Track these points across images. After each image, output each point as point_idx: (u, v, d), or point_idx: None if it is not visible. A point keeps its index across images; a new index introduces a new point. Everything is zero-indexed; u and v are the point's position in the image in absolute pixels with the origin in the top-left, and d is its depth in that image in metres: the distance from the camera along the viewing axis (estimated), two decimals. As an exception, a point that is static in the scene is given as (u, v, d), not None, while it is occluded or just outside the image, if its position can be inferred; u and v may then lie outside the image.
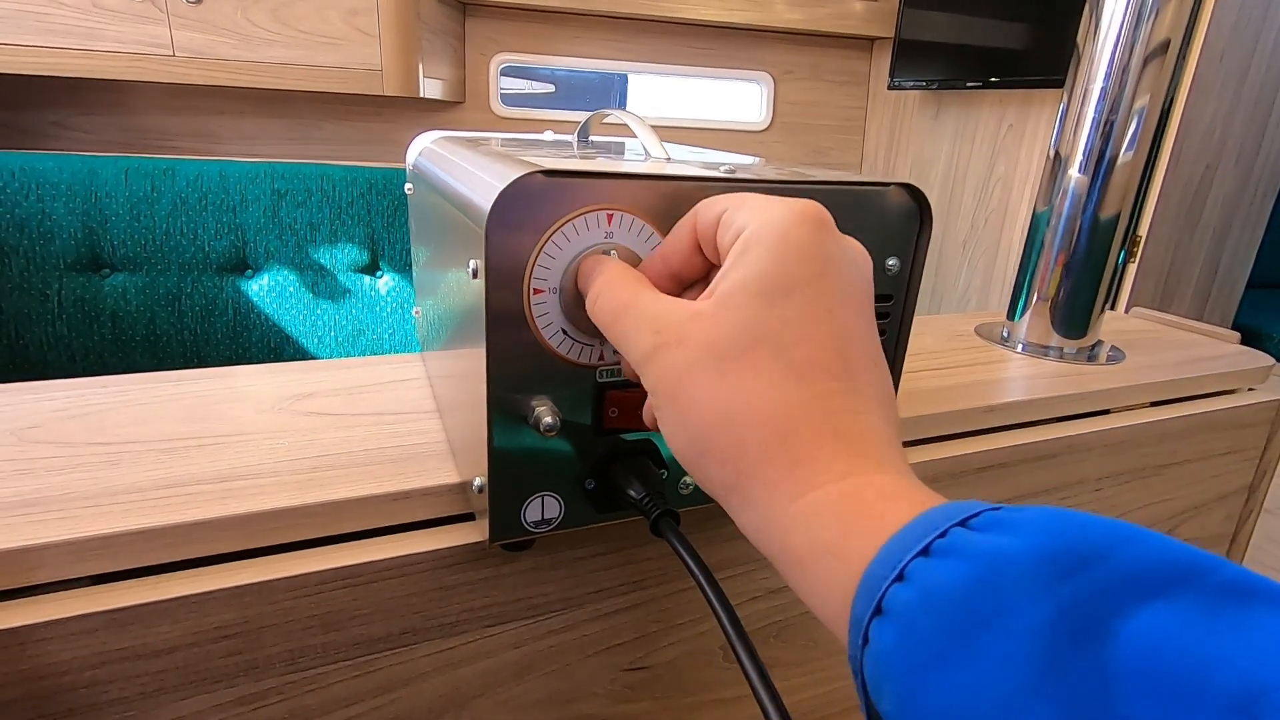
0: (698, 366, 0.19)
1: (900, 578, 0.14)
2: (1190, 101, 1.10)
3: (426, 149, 0.40)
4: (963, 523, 0.15)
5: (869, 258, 0.22)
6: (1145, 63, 0.49)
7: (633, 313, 0.21)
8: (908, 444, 0.41)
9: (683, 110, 1.84)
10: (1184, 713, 0.11)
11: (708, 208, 0.22)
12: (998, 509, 0.15)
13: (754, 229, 0.20)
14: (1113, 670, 0.12)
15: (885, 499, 0.17)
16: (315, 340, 1.16)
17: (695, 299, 0.21)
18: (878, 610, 0.15)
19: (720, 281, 0.20)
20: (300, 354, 1.16)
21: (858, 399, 0.19)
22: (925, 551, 0.14)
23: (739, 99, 1.83)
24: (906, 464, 0.19)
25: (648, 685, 0.37)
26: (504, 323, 0.24)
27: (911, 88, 1.60)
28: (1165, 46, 0.49)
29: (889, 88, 1.64)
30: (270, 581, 0.28)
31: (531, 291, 0.24)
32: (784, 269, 0.19)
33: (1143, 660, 0.12)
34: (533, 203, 0.23)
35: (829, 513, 0.17)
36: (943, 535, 0.14)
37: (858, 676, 0.15)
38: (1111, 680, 0.12)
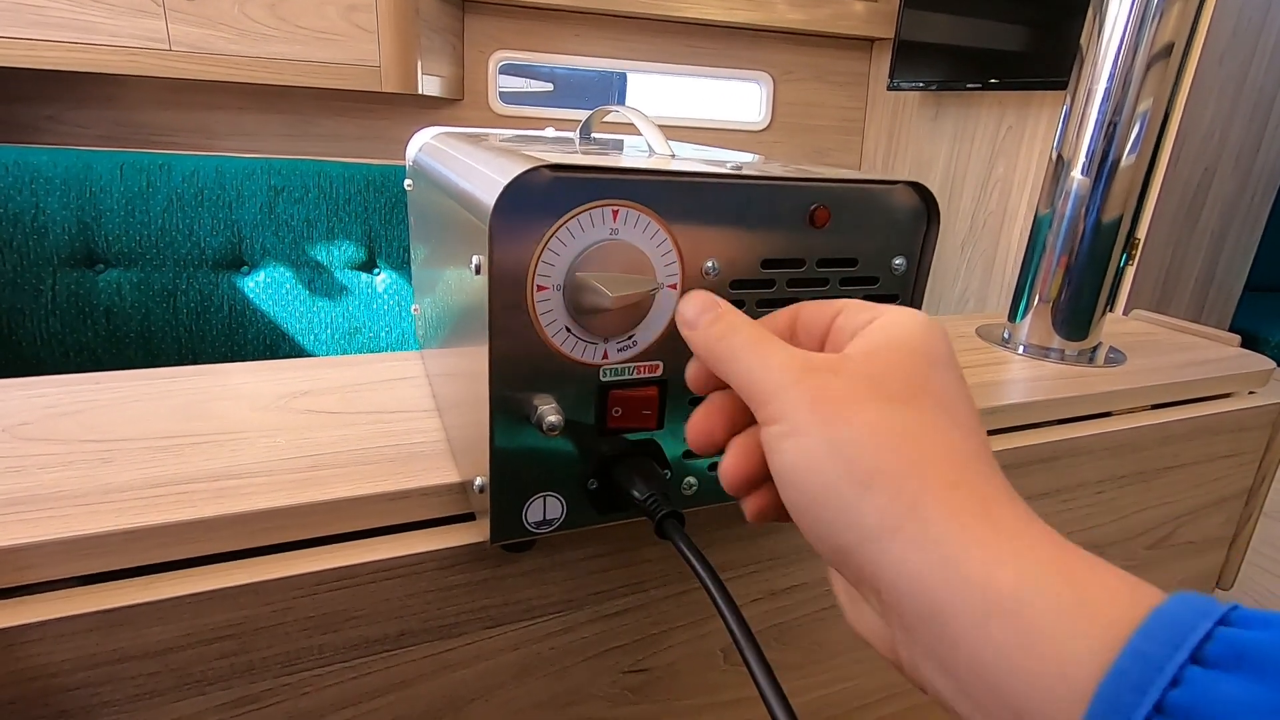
0: (863, 393, 0.18)
1: (1175, 683, 0.12)
2: (1190, 104, 1.10)
3: (427, 145, 0.39)
4: (1194, 657, 0.13)
5: None
6: (1149, 66, 0.49)
7: (772, 343, 0.21)
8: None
9: (682, 110, 1.84)
10: None
11: (815, 308, 0.23)
12: (1224, 619, 0.13)
13: (895, 315, 0.21)
14: None
15: (1096, 572, 0.15)
16: (312, 338, 1.15)
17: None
18: (1158, 710, 0.12)
19: (860, 340, 0.20)
20: (296, 351, 1.15)
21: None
22: (1160, 709, 0.12)
23: (738, 99, 1.83)
24: None
25: (648, 688, 0.37)
26: (507, 320, 0.24)
27: (911, 89, 1.60)
28: (1169, 49, 0.49)
29: (888, 88, 1.64)
30: (266, 582, 0.27)
31: (535, 288, 0.23)
32: (936, 345, 0.20)
33: None
34: (537, 198, 0.22)
35: (1052, 566, 0.15)
36: (1175, 684, 0.12)
37: None
38: None
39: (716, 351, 0.22)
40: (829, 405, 0.18)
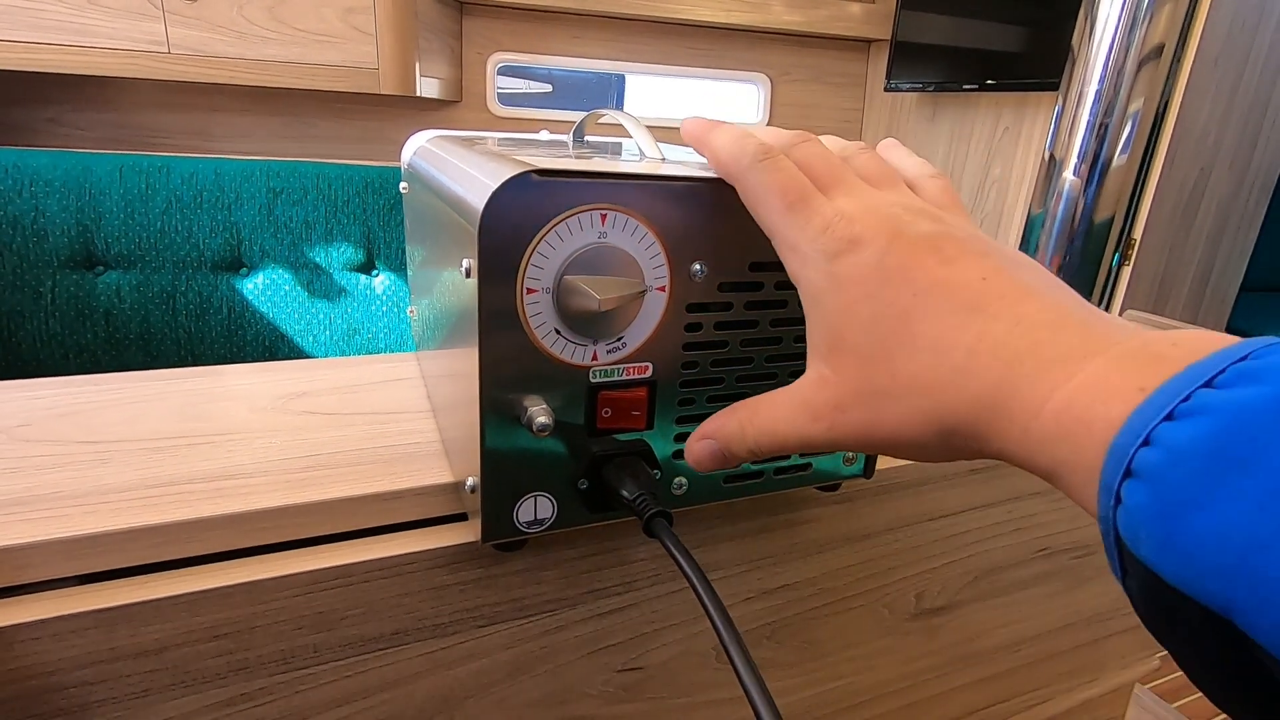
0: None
1: (1147, 443, 0.15)
2: (1185, 105, 1.10)
3: (421, 148, 0.40)
4: (1208, 383, 0.15)
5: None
6: (1140, 66, 0.49)
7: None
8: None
9: (680, 111, 1.84)
10: None
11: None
12: (1245, 357, 0.15)
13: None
14: None
15: (1141, 365, 0.17)
16: (310, 339, 1.16)
17: None
18: (1127, 473, 0.16)
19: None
20: (295, 353, 1.15)
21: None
22: (1170, 417, 0.15)
23: (736, 100, 1.84)
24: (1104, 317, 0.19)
25: (641, 686, 0.37)
26: (497, 322, 0.24)
27: (908, 90, 1.61)
28: (1160, 50, 0.49)
29: (885, 90, 1.65)
30: (261, 581, 0.28)
31: (525, 291, 0.24)
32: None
33: None
34: (526, 202, 0.23)
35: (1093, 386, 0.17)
36: (1186, 399, 0.15)
37: (1109, 536, 0.16)
38: None
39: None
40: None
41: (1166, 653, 0.17)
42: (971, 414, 0.19)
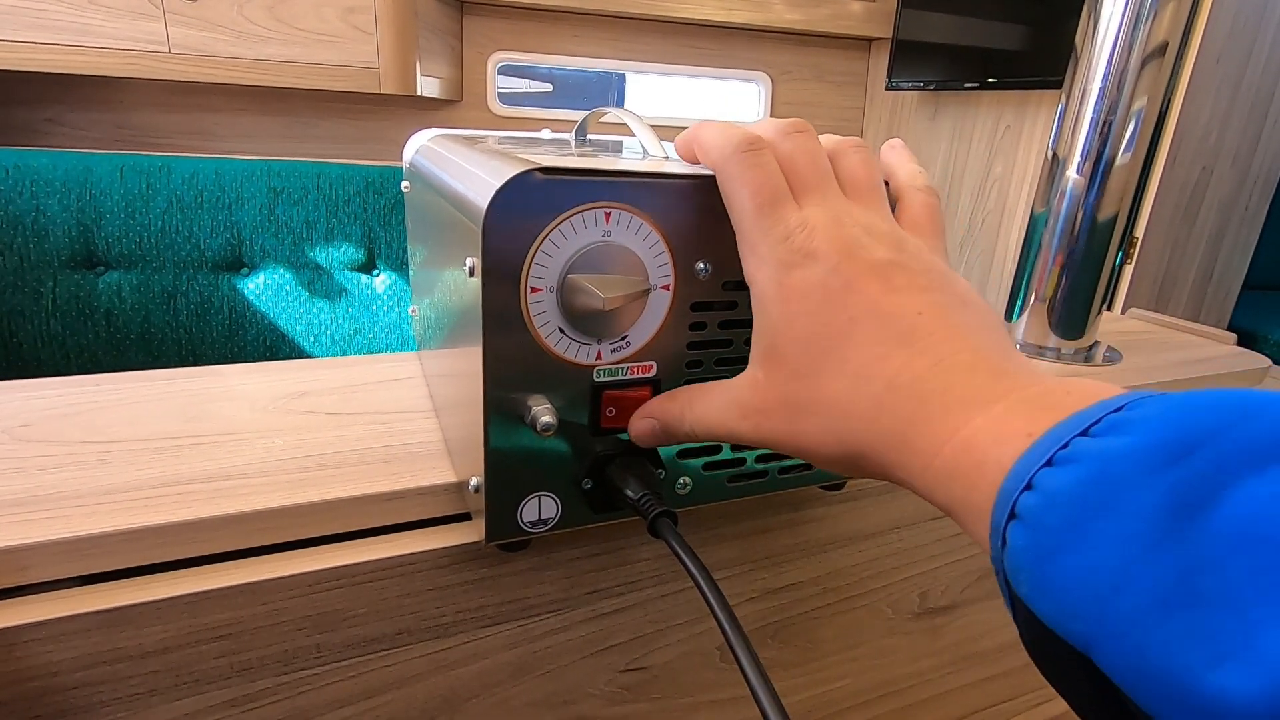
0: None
1: (1029, 487, 0.16)
2: (1186, 104, 1.10)
3: (423, 147, 0.40)
4: (1084, 431, 0.16)
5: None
6: (1144, 64, 0.49)
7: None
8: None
9: (681, 110, 1.84)
10: None
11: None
12: (1120, 408, 0.16)
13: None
14: (1219, 537, 0.13)
15: (1034, 411, 0.18)
16: (311, 339, 1.15)
17: None
18: (1011, 515, 0.16)
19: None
20: (296, 353, 1.15)
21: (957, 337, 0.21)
22: (1050, 463, 0.16)
23: (737, 99, 1.84)
24: (1021, 362, 0.20)
25: (644, 686, 0.37)
26: (501, 322, 0.24)
27: (909, 88, 1.60)
28: (1163, 48, 0.49)
29: (886, 88, 1.65)
30: (263, 582, 0.28)
31: (529, 290, 0.24)
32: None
33: (1249, 525, 0.13)
34: (530, 200, 0.23)
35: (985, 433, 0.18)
36: (1065, 446, 0.16)
37: (1000, 575, 0.17)
38: (1218, 546, 0.13)
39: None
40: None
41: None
42: (881, 444, 0.20)
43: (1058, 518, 0.15)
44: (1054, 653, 0.16)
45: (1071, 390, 0.18)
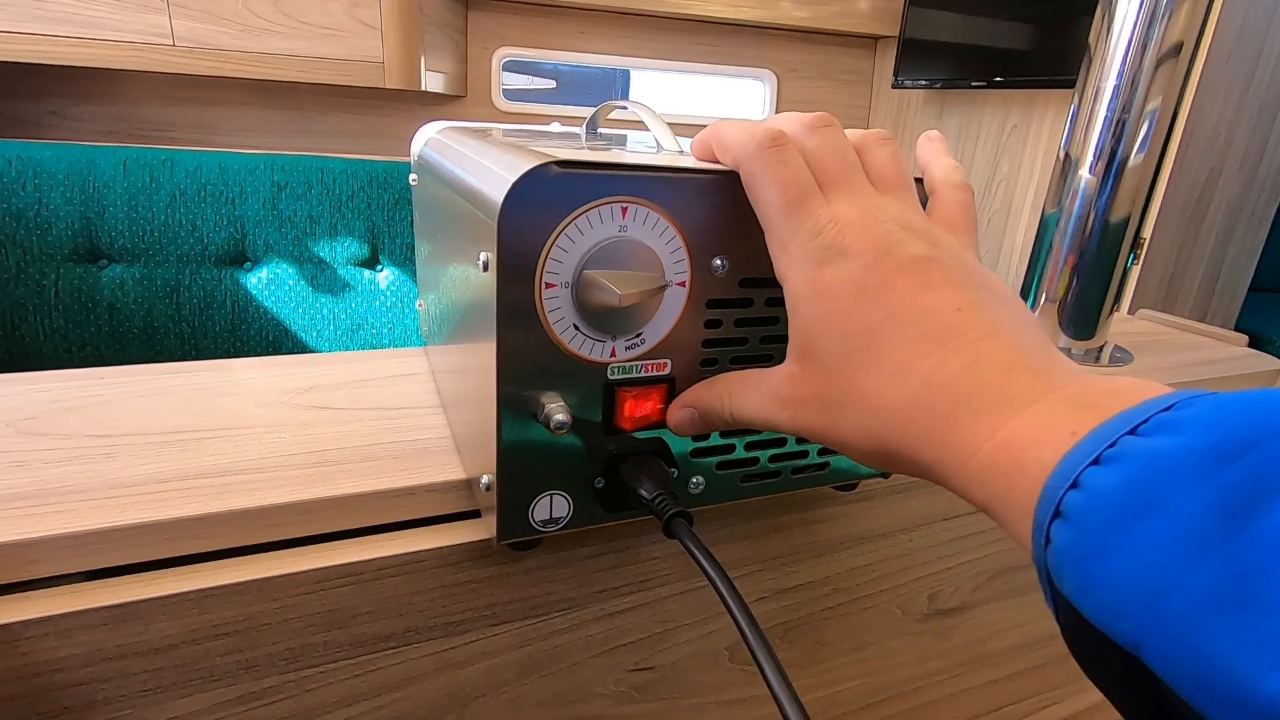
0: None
1: (1075, 485, 0.16)
2: (1196, 105, 1.10)
3: (432, 140, 0.39)
4: (1132, 430, 0.16)
5: None
6: (1158, 64, 0.49)
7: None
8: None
9: (685, 107, 1.83)
10: None
11: None
12: (1169, 408, 0.16)
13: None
14: (1272, 541, 0.13)
15: (1077, 410, 0.18)
16: (314, 334, 1.15)
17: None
18: (1056, 514, 0.16)
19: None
20: (299, 348, 1.15)
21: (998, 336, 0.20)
22: (1096, 461, 0.16)
23: (742, 96, 1.83)
24: (1064, 363, 0.20)
25: (652, 686, 0.37)
26: (515, 318, 0.23)
27: (915, 87, 1.60)
28: (1178, 49, 0.48)
29: (893, 87, 1.64)
30: (271, 578, 0.27)
31: (544, 286, 0.23)
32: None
33: None
34: (546, 195, 0.22)
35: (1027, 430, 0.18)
36: (1112, 445, 0.16)
37: (1042, 574, 0.17)
38: (1272, 550, 0.13)
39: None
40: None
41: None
42: (917, 441, 0.20)
43: (1105, 517, 0.15)
44: (1098, 650, 0.16)
45: (1115, 389, 0.18)
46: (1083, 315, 0.53)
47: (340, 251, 1.14)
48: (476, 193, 0.25)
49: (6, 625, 0.24)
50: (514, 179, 0.22)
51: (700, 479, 0.29)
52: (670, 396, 0.27)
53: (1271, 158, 1.21)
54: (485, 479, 0.27)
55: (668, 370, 0.26)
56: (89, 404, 0.35)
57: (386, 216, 1.16)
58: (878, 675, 0.44)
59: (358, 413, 0.36)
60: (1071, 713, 0.56)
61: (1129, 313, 0.71)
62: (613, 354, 0.25)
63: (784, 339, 0.28)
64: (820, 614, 0.40)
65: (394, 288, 1.17)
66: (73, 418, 0.33)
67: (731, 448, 0.29)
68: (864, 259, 0.21)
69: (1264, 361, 0.55)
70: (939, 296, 0.21)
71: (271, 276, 1.12)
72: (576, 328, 0.24)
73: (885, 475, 0.33)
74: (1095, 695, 0.57)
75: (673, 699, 0.38)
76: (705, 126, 0.26)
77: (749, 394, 0.24)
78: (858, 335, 0.21)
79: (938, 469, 0.20)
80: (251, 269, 1.12)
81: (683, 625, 0.36)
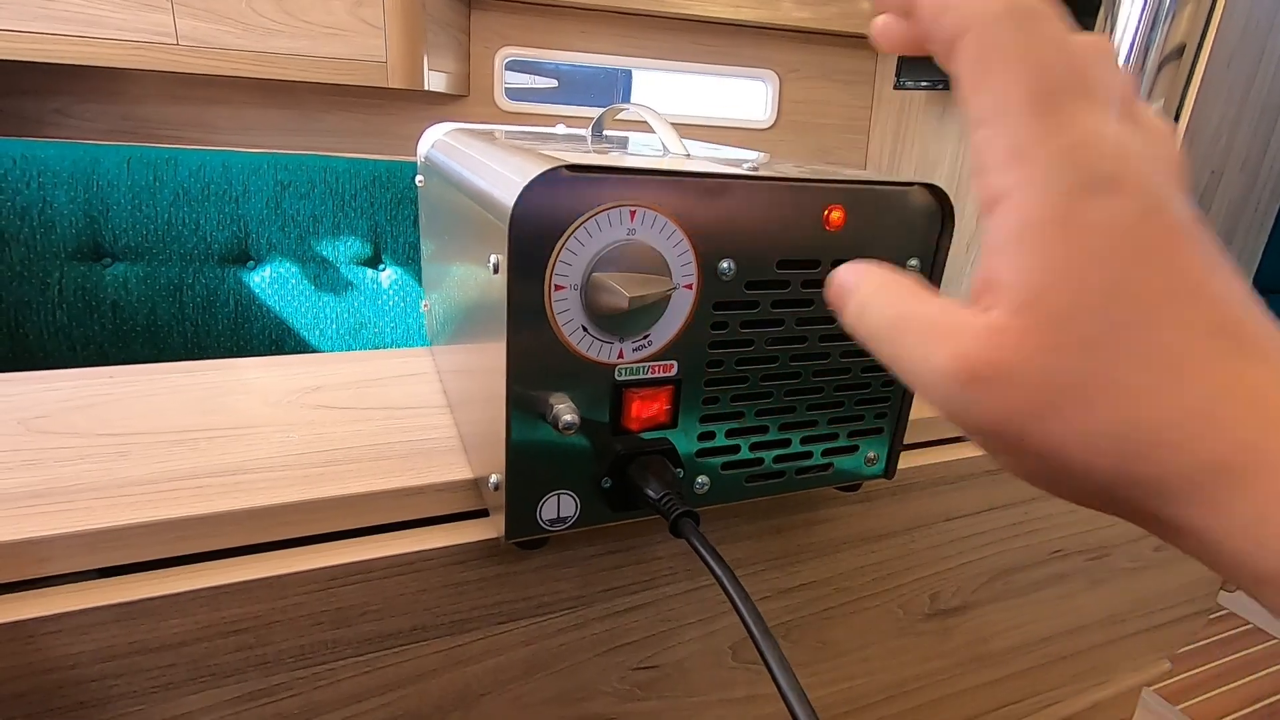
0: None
1: None
2: (1197, 107, 1.10)
3: (440, 141, 0.39)
4: None
5: None
6: (1161, 65, 0.49)
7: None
8: (914, 446, 0.41)
9: (687, 107, 1.84)
10: None
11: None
12: None
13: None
14: None
15: None
16: (317, 333, 1.15)
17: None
18: None
19: None
20: (302, 346, 1.15)
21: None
22: None
23: (743, 97, 1.83)
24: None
25: (656, 684, 0.37)
26: (525, 319, 0.24)
27: (917, 88, 1.60)
28: (1181, 50, 0.49)
29: (895, 87, 1.64)
30: (280, 576, 0.27)
31: (553, 288, 0.24)
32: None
33: None
34: (556, 198, 0.23)
35: None
36: None
37: None
38: None
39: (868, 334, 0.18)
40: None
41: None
42: (1188, 472, 0.14)
43: None
44: None
45: None
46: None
47: (343, 250, 1.14)
48: (487, 195, 0.25)
49: (20, 622, 0.24)
50: (526, 182, 0.22)
51: (705, 479, 0.29)
52: (676, 397, 0.27)
53: (1273, 160, 1.21)
54: (494, 478, 0.27)
55: (674, 372, 0.27)
56: (99, 403, 0.35)
57: (389, 216, 1.16)
58: (880, 674, 0.45)
59: (365, 412, 0.36)
60: (1069, 712, 0.56)
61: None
62: (620, 355, 0.26)
63: (791, 340, 0.28)
64: (823, 613, 0.41)
65: (396, 287, 1.17)
66: (83, 416, 0.33)
67: (737, 448, 0.29)
68: (1143, 201, 0.15)
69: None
70: (1224, 280, 0.15)
71: (274, 275, 1.12)
72: (585, 329, 0.25)
73: (889, 476, 0.33)
74: (1095, 695, 0.57)
75: (676, 697, 0.38)
76: (706, 127, 0.26)
77: (931, 348, 0.17)
78: (1127, 305, 0.15)
79: (1210, 517, 0.14)
80: (254, 268, 1.12)
81: (686, 624, 0.37)
